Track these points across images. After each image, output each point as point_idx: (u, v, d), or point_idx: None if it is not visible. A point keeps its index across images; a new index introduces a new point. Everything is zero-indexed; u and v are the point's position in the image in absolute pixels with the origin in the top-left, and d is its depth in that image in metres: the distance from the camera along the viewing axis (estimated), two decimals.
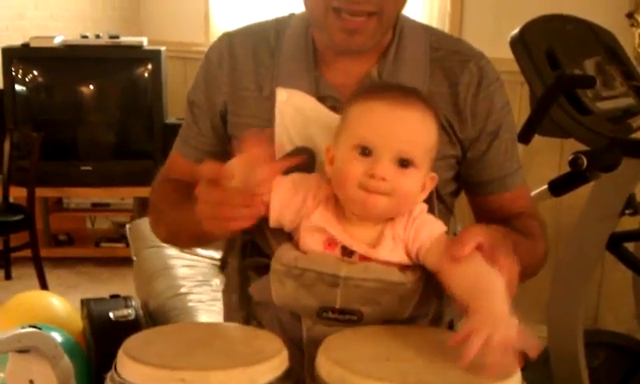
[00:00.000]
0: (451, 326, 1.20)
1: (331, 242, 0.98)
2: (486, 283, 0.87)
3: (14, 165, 3.60)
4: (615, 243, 2.04)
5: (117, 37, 4.12)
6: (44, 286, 3.50)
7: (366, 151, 0.95)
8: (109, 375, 0.85)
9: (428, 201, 1.05)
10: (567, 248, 2.07)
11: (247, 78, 1.17)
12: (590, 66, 2.05)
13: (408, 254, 0.98)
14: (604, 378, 2.27)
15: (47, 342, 1.07)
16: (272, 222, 1.01)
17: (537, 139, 2.00)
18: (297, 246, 1.00)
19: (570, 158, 1.79)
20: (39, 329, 1.10)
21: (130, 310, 1.55)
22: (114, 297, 1.62)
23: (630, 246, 2.16)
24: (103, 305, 1.56)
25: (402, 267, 0.98)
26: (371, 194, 0.94)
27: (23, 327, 1.09)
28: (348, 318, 0.95)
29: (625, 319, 2.66)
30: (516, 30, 2.00)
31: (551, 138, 2.18)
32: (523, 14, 2.10)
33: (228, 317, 1.26)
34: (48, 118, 4.11)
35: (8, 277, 3.86)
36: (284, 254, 0.98)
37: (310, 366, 0.89)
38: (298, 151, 1.08)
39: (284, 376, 0.83)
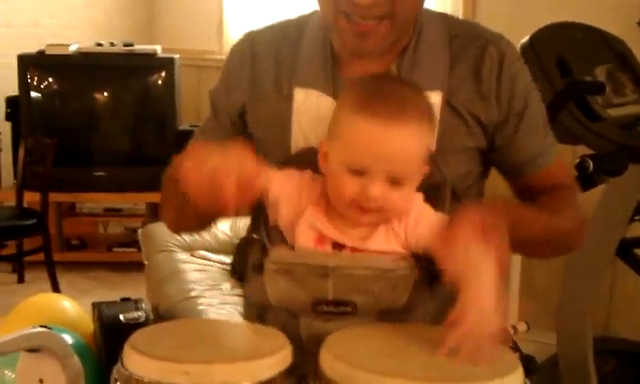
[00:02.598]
0: None
1: (322, 239, 0.99)
2: (475, 271, 0.87)
3: (27, 170, 3.63)
4: (625, 249, 2.04)
5: (131, 45, 4.16)
6: (56, 289, 3.53)
7: (358, 171, 0.95)
8: (115, 368, 0.87)
9: (439, 197, 1.05)
10: (577, 254, 2.06)
11: (267, 78, 1.17)
12: (600, 73, 2.04)
13: (406, 245, 0.99)
14: None
15: (57, 342, 1.08)
16: (271, 207, 1.01)
17: None
18: (290, 247, 1.01)
19: (577, 161, 1.79)
20: (49, 329, 1.12)
21: (140, 313, 1.55)
22: (125, 300, 1.63)
23: None
24: (114, 307, 1.56)
25: (396, 256, 0.98)
26: (364, 212, 0.96)
27: (34, 327, 1.11)
28: (342, 309, 0.96)
29: (636, 326, 2.65)
30: (526, 38, 2.00)
31: (562, 145, 2.18)
32: (534, 22, 2.10)
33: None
34: (63, 125, 4.15)
35: (21, 280, 3.89)
36: (275, 253, 1.00)
37: (311, 362, 0.90)
38: (309, 151, 1.08)
39: (287, 372, 0.84)
